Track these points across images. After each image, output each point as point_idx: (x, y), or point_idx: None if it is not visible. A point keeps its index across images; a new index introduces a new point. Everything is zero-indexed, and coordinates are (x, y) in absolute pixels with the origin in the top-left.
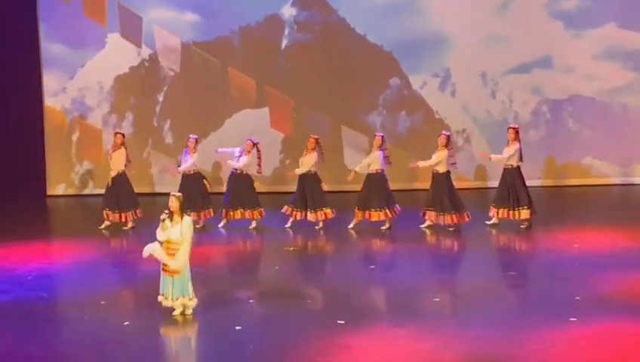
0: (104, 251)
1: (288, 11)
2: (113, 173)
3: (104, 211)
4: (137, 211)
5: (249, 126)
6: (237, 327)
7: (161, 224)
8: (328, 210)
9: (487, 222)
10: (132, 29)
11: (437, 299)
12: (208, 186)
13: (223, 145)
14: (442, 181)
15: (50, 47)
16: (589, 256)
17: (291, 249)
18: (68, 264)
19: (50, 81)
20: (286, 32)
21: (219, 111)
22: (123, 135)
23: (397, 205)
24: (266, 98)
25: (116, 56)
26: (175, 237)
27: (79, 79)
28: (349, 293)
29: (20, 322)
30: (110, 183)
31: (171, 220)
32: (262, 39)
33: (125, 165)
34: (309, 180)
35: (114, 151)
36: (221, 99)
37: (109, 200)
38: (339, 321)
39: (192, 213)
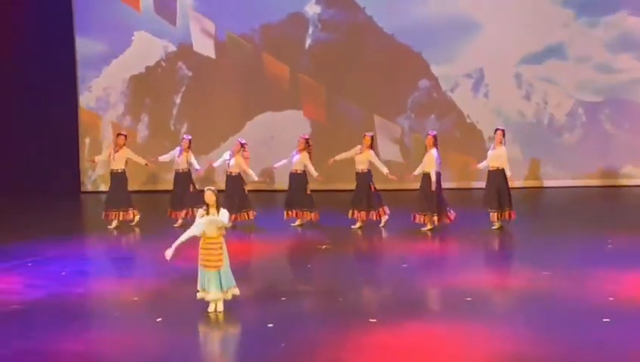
0: (137, 247)
1: (312, 9)
2: (114, 171)
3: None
4: (128, 212)
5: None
6: (269, 325)
7: (198, 219)
8: (307, 212)
9: (494, 227)
10: (166, 8)
11: (469, 299)
12: (192, 187)
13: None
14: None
15: (84, 42)
16: (622, 256)
17: (324, 247)
18: (102, 260)
19: (84, 77)
20: (310, 30)
21: (253, 101)
22: (125, 136)
23: (383, 207)
24: (300, 86)
25: (144, 52)
26: (212, 231)
27: (107, 77)
28: (381, 292)
29: (53, 317)
30: (111, 182)
31: (207, 214)
32: (284, 38)
33: (146, 164)
34: (297, 179)
35: (116, 151)
36: (256, 89)
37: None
38: (371, 320)
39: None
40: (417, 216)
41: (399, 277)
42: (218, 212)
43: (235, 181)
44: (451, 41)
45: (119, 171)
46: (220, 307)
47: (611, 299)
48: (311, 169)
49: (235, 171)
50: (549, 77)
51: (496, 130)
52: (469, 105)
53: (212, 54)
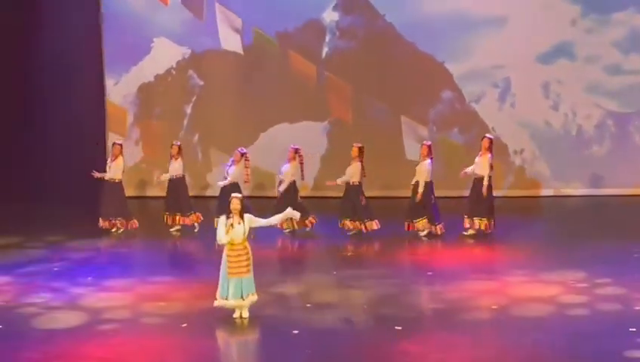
0: (162, 252)
1: (330, 16)
2: (111, 180)
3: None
4: (125, 222)
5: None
6: (294, 331)
7: (224, 227)
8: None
9: (465, 233)
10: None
11: (495, 306)
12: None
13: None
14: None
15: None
16: None
17: (350, 254)
18: (127, 265)
19: (111, 75)
20: (327, 38)
21: (279, 101)
22: (121, 145)
23: (371, 221)
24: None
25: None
26: (238, 237)
27: (132, 77)
28: (406, 299)
29: (78, 322)
30: (107, 191)
31: (232, 222)
32: (300, 46)
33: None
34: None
35: (113, 160)
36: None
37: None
38: (396, 327)
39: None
40: (409, 224)
41: (424, 284)
42: (242, 219)
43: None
44: (476, 49)
45: (115, 181)
46: (245, 313)
47: (637, 308)
48: (294, 177)
49: (233, 180)
50: (577, 86)
51: (484, 137)
52: (493, 118)
53: (240, 50)
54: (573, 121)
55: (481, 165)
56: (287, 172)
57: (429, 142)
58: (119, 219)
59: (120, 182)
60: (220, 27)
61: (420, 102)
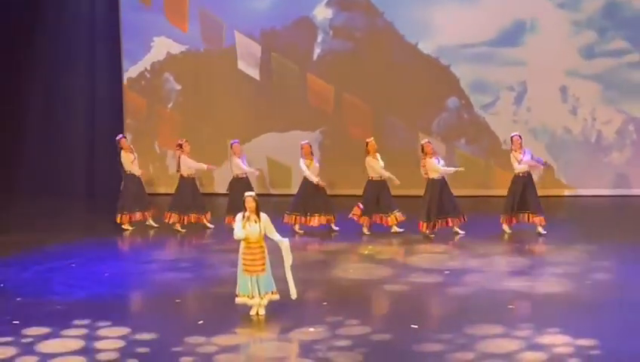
0: (178, 250)
1: (322, 13)
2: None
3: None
4: (143, 213)
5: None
6: (310, 329)
7: (240, 224)
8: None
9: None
10: (213, 33)
11: (512, 306)
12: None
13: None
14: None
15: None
16: None
17: (366, 252)
18: (143, 262)
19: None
20: (319, 38)
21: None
22: (125, 138)
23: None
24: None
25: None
26: (254, 235)
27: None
28: (423, 297)
29: (95, 318)
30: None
31: (248, 219)
32: (288, 46)
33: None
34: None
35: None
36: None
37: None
38: (412, 326)
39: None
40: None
41: (441, 283)
42: (258, 217)
43: (242, 183)
44: (483, 52)
45: (127, 173)
46: (262, 311)
47: None
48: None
49: (237, 174)
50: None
51: (514, 136)
52: (505, 128)
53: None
54: (593, 127)
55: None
56: (309, 169)
57: (428, 141)
58: (138, 211)
59: (131, 175)
60: (239, 55)
61: (423, 111)
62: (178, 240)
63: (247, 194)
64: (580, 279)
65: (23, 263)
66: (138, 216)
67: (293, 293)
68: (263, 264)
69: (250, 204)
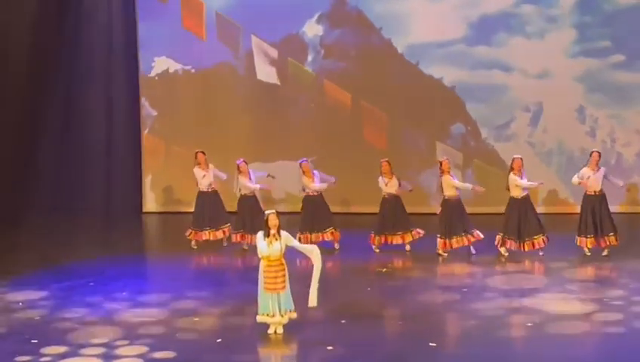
0: (198, 268)
1: (312, 30)
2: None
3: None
4: (222, 230)
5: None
6: (329, 347)
7: (265, 240)
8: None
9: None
10: (230, 38)
11: (530, 324)
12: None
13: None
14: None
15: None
16: None
17: (384, 270)
18: (162, 280)
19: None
20: (309, 57)
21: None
22: (201, 153)
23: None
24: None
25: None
26: (275, 253)
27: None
28: (441, 316)
29: (113, 336)
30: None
31: (267, 236)
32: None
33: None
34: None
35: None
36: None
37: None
38: (430, 344)
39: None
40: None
41: (459, 300)
42: (279, 235)
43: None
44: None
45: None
46: (280, 329)
47: None
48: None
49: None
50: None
51: (592, 151)
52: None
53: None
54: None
55: (598, 181)
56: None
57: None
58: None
59: (202, 193)
60: (256, 63)
61: (424, 139)
62: (195, 258)
63: (268, 212)
64: None
65: (41, 282)
66: (206, 234)
67: (314, 301)
68: (284, 282)
69: (273, 221)
